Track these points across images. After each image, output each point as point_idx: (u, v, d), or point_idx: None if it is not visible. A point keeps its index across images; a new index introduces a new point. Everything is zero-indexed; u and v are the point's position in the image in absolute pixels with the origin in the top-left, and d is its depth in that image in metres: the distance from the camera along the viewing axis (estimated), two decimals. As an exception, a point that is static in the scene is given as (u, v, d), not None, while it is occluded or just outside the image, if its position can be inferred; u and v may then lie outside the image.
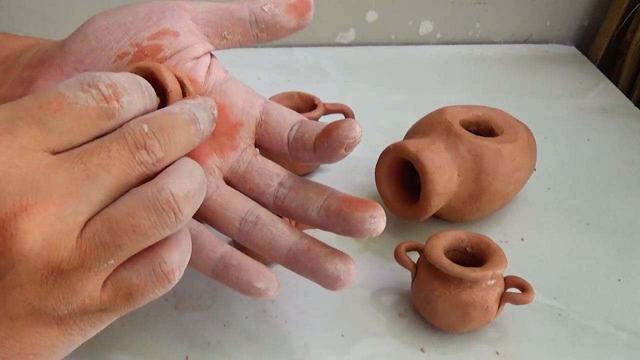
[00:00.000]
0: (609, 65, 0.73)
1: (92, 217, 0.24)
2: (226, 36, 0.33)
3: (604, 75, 0.70)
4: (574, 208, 0.49)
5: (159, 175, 0.25)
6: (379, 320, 0.38)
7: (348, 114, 0.48)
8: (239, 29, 0.33)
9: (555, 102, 0.64)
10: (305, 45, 0.72)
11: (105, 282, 0.25)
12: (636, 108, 0.64)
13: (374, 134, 0.53)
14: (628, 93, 0.68)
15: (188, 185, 0.25)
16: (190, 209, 0.25)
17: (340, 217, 0.31)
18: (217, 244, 0.32)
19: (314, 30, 0.72)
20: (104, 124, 0.24)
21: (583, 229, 0.47)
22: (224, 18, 0.33)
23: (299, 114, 0.34)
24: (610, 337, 0.38)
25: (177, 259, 0.26)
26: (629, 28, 0.69)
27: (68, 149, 0.24)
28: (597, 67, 0.72)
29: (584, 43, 0.77)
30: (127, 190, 0.25)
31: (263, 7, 0.32)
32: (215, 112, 0.28)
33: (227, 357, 0.35)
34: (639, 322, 0.39)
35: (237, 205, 0.32)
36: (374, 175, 0.44)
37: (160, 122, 0.25)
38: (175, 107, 0.26)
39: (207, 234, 0.32)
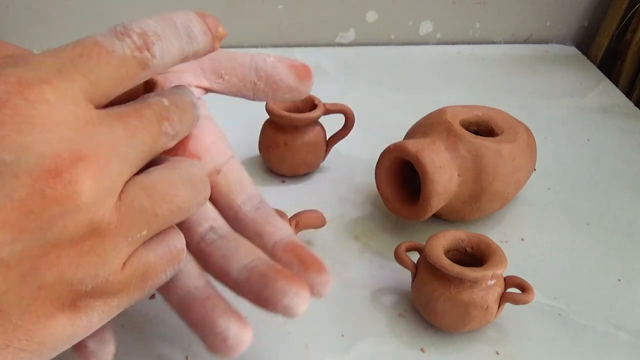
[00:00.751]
0: (609, 65, 0.73)
1: (127, 182, 0.23)
2: (223, 76, 0.32)
3: (604, 75, 0.70)
4: (574, 208, 0.49)
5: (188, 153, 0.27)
6: (379, 320, 0.38)
7: (348, 114, 0.48)
8: (237, 72, 0.32)
9: (555, 102, 0.64)
10: (305, 45, 0.72)
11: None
12: (636, 108, 0.64)
13: (374, 134, 0.53)
14: (628, 93, 0.68)
15: (206, 169, 0.26)
16: (207, 193, 0.27)
17: (261, 282, 0.28)
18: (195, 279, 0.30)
19: (314, 30, 0.72)
20: (139, 73, 0.24)
21: (583, 229, 0.47)
22: (225, 58, 0.32)
23: (258, 191, 0.33)
24: (610, 337, 0.38)
25: (183, 241, 0.27)
26: (629, 28, 0.69)
27: (106, 102, 0.24)
28: (597, 67, 0.72)
29: (584, 43, 0.77)
30: (150, 160, 0.25)
31: (265, 59, 0.32)
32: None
33: (227, 357, 0.35)
34: (639, 322, 0.39)
35: None
36: (374, 175, 0.44)
37: (174, 99, 0.26)
38: (178, 90, 0.27)
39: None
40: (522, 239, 0.45)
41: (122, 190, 0.23)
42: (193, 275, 0.29)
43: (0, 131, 0.20)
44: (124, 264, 0.24)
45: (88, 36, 0.23)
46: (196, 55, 0.26)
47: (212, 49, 0.27)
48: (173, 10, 0.26)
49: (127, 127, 0.23)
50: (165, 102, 0.26)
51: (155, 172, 0.25)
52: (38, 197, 0.20)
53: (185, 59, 0.26)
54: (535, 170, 0.48)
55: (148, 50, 0.24)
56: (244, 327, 0.28)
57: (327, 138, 0.50)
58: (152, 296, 0.38)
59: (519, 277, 0.36)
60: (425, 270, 0.36)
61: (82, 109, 0.22)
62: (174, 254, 0.26)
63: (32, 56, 0.23)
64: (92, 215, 0.22)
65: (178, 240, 0.26)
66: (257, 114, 0.51)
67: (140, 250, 0.25)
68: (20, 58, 0.22)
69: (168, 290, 0.29)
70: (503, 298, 0.36)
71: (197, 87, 0.32)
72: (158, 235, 0.25)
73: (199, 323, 0.28)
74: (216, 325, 0.27)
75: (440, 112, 0.45)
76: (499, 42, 0.76)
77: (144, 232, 0.24)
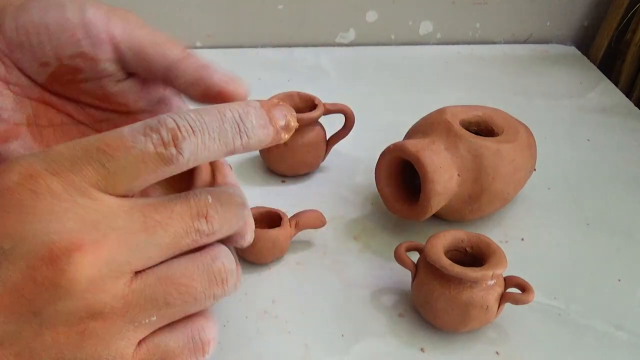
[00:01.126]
0: (609, 65, 0.73)
1: (143, 270, 0.24)
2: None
3: (604, 75, 0.70)
4: (574, 208, 0.49)
5: (211, 246, 0.26)
6: (379, 320, 0.38)
7: (348, 114, 0.48)
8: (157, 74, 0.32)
9: (555, 102, 0.64)
10: (305, 45, 0.72)
11: (140, 343, 0.24)
12: (636, 108, 0.64)
13: (374, 134, 0.53)
14: (628, 93, 0.68)
15: (233, 262, 0.26)
16: (232, 286, 0.26)
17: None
18: None
19: (314, 30, 0.72)
20: (162, 169, 0.24)
21: (583, 229, 0.47)
22: (148, 55, 0.32)
23: None
24: (610, 337, 0.38)
25: (215, 331, 0.26)
26: (629, 28, 0.69)
27: (127, 192, 0.24)
28: (597, 67, 0.72)
29: (584, 43, 0.77)
30: (174, 254, 0.25)
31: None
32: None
33: (227, 357, 0.35)
34: (639, 322, 0.39)
35: None
36: (374, 175, 0.44)
37: (221, 197, 0.26)
38: (229, 189, 0.27)
39: None
40: (522, 239, 0.45)
41: (136, 277, 0.24)
42: None
43: (3, 220, 0.22)
44: (139, 344, 0.24)
45: (116, 129, 0.24)
46: (250, 148, 0.26)
47: (275, 141, 0.27)
48: (236, 102, 0.26)
49: (148, 220, 0.24)
50: (210, 198, 0.25)
51: (175, 262, 0.25)
52: (30, 282, 0.22)
53: (233, 152, 0.26)
54: (535, 170, 0.48)
55: (175, 146, 0.24)
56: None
57: (327, 138, 0.50)
58: None
59: (519, 277, 0.36)
60: (425, 270, 0.36)
61: (92, 199, 0.23)
62: (199, 345, 0.26)
63: (53, 147, 0.24)
64: (90, 300, 0.22)
65: (208, 330, 0.26)
66: (257, 114, 0.50)
67: (159, 334, 0.25)
68: (42, 150, 0.24)
69: None
70: (503, 298, 0.36)
71: (129, 76, 0.33)
72: (185, 321, 0.26)
73: None
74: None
75: (440, 112, 0.45)
76: (499, 42, 0.76)
77: (154, 319, 0.24)
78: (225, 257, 0.26)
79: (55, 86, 0.33)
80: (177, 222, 0.24)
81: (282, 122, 0.27)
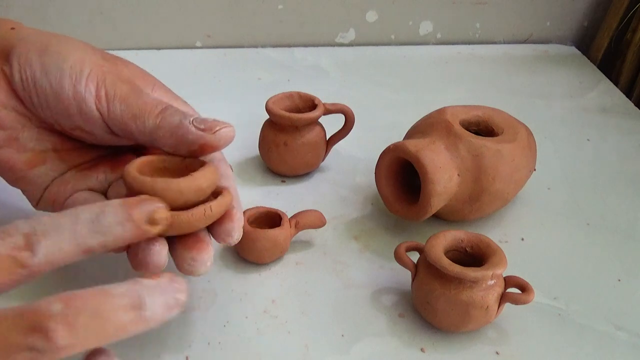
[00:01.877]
0: (609, 65, 0.73)
1: None
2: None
3: (604, 75, 0.70)
4: (574, 208, 0.49)
5: None
6: (379, 320, 0.38)
7: (348, 114, 0.48)
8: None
9: (555, 102, 0.64)
10: (305, 45, 0.72)
11: None
12: (636, 108, 0.64)
13: (374, 134, 0.53)
14: (628, 93, 0.68)
15: None
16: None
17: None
18: None
19: (314, 30, 0.72)
20: (18, 271, 0.24)
21: (583, 229, 0.47)
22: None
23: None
24: (610, 337, 0.38)
25: None
26: (629, 28, 0.69)
27: None
28: (597, 67, 0.72)
29: (584, 43, 0.77)
30: None
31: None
32: (181, 296, 0.26)
33: (227, 357, 0.35)
34: (639, 322, 0.39)
35: None
36: (374, 175, 0.44)
37: (82, 303, 0.23)
38: (119, 287, 0.24)
39: None
40: (522, 239, 0.45)
41: None
42: None
43: None
44: None
45: None
46: (110, 246, 0.26)
47: (139, 236, 0.27)
48: (97, 203, 0.27)
49: None
50: (58, 308, 0.22)
51: None
52: None
53: (91, 251, 0.26)
54: (535, 170, 0.48)
55: (29, 249, 0.24)
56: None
57: (327, 138, 0.50)
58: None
59: (519, 277, 0.36)
60: (425, 270, 0.36)
61: None
62: None
63: None
64: None
65: None
66: (257, 114, 0.51)
67: None
68: None
69: None
70: (503, 298, 0.36)
71: None
72: None
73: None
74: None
75: (440, 112, 0.45)
76: (499, 42, 0.76)
77: None
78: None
79: (69, 136, 0.35)
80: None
81: (143, 218, 0.27)
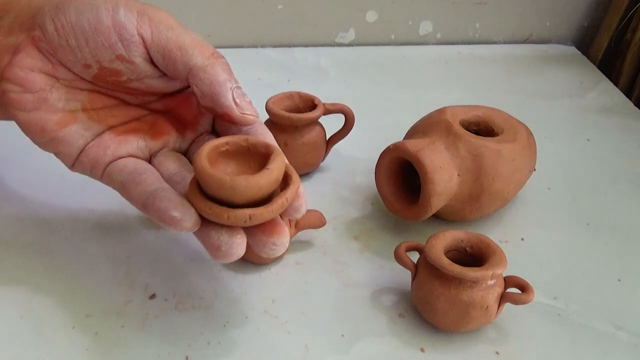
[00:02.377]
0: (609, 65, 0.73)
1: None
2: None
3: (604, 75, 0.70)
4: (574, 208, 0.49)
5: None
6: (379, 320, 0.38)
7: (348, 114, 0.48)
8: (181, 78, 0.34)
9: (555, 102, 0.64)
10: (305, 45, 0.72)
11: None
12: (636, 108, 0.64)
13: (374, 134, 0.53)
14: (628, 93, 0.68)
15: None
16: None
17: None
18: (156, 181, 0.33)
19: (314, 30, 0.72)
20: None
21: (583, 229, 0.47)
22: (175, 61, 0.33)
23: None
24: (610, 337, 0.38)
25: None
26: (629, 28, 0.69)
27: None
28: (597, 67, 0.72)
29: (584, 43, 0.77)
30: None
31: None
32: None
33: (227, 357, 0.35)
34: (639, 322, 0.39)
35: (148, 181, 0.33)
36: (374, 175, 0.44)
37: None
38: None
39: (154, 174, 0.34)
40: (522, 239, 0.45)
41: None
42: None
43: None
44: None
45: None
46: None
47: None
48: None
49: None
50: None
51: None
52: None
53: None
54: (535, 170, 0.48)
55: None
56: (234, 234, 0.31)
57: (327, 138, 0.50)
58: (152, 296, 0.38)
59: (519, 277, 0.36)
60: (425, 270, 0.36)
61: None
62: None
63: None
64: None
65: None
66: (257, 114, 0.50)
67: None
68: None
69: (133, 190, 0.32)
70: (503, 298, 0.36)
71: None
72: None
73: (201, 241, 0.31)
74: (210, 237, 0.30)
75: (440, 112, 0.45)
76: (499, 42, 0.76)
77: None
78: None
79: (102, 84, 0.35)
80: None
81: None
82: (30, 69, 0.33)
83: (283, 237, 0.31)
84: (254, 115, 0.33)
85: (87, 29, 0.32)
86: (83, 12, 0.32)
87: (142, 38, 0.32)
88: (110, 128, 0.36)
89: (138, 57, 0.33)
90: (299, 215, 0.33)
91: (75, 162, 0.35)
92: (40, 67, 0.33)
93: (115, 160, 0.35)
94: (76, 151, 0.35)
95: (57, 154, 0.35)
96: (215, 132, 0.38)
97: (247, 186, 0.29)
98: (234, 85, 0.33)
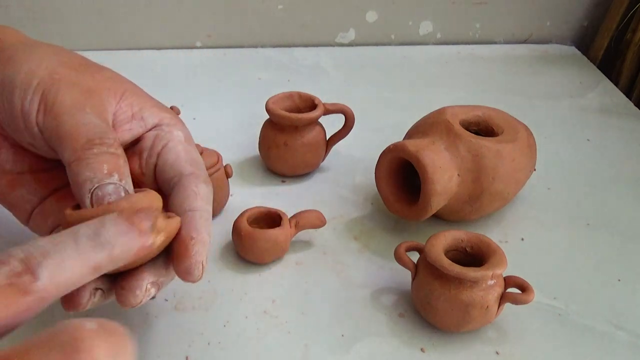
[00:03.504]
0: (609, 65, 0.73)
1: None
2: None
3: (604, 75, 0.70)
4: (574, 208, 0.49)
5: None
6: (379, 320, 0.38)
7: (348, 114, 0.48)
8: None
9: (555, 102, 0.64)
10: (305, 45, 0.72)
11: None
12: (636, 108, 0.64)
13: (374, 134, 0.53)
14: (628, 93, 0.68)
15: None
16: None
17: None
18: None
19: (314, 30, 0.72)
20: (20, 300, 0.21)
21: (583, 229, 0.47)
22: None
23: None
24: (610, 337, 0.38)
25: None
26: (629, 28, 0.69)
27: None
28: (597, 67, 0.72)
29: (584, 43, 0.77)
30: None
31: None
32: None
33: (227, 357, 0.35)
34: (639, 322, 0.39)
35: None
36: (374, 175, 0.44)
37: None
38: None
39: None
40: (522, 239, 0.45)
41: None
42: None
43: None
44: None
45: None
46: (118, 259, 0.25)
47: (146, 247, 0.26)
48: (85, 222, 0.25)
49: None
50: None
51: None
52: None
53: (100, 268, 0.24)
54: (535, 170, 0.48)
55: (31, 273, 0.22)
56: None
57: (327, 138, 0.50)
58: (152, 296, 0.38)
59: (519, 277, 0.36)
60: (425, 270, 0.36)
61: None
62: None
63: None
64: None
65: None
66: (257, 114, 0.51)
67: None
68: None
69: None
70: (503, 298, 0.36)
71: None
72: None
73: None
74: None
75: (440, 112, 0.45)
76: (499, 42, 0.76)
77: None
78: None
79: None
80: None
81: (147, 223, 0.25)
82: None
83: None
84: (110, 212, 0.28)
85: (7, 109, 0.30)
86: (5, 85, 0.30)
87: (39, 129, 0.30)
88: (55, 191, 0.34)
89: (42, 147, 0.31)
90: (193, 279, 0.29)
91: (28, 224, 0.35)
92: None
93: (57, 227, 0.33)
94: (26, 215, 0.34)
95: (12, 213, 0.35)
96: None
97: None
98: (95, 186, 0.28)
